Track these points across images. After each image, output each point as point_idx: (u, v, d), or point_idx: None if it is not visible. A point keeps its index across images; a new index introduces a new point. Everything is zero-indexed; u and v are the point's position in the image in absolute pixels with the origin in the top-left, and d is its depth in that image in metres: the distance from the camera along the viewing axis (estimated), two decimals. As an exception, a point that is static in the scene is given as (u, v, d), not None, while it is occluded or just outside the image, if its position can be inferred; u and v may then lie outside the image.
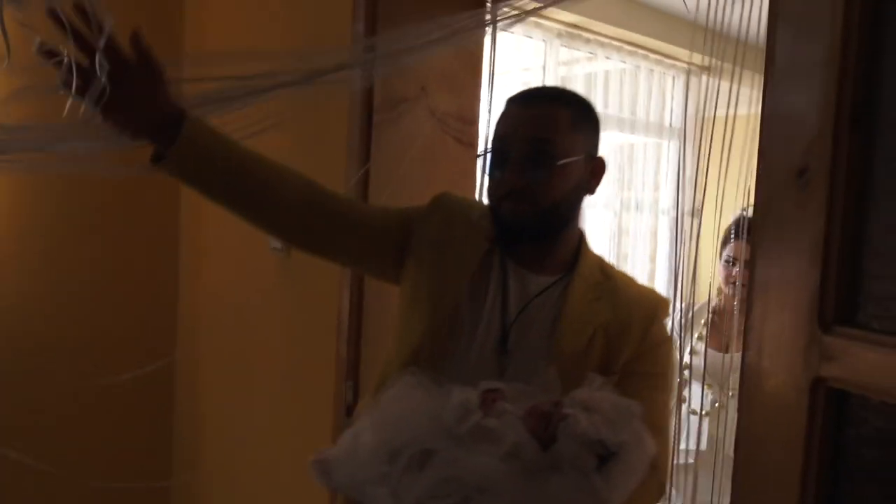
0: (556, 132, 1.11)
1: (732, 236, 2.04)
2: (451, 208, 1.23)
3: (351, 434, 1.06)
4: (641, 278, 3.21)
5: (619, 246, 3.44)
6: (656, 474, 1.09)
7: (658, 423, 1.11)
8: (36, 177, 2.01)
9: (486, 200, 1.21)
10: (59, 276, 2.10)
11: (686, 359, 2.07)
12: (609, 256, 3.12)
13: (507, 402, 1.01)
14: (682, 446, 1.97)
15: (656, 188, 3.42)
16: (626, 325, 1.15)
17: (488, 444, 0.97)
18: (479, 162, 1.22)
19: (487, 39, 1.73)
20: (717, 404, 2.05)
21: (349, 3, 1.58)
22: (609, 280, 1.19)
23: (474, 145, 1.72)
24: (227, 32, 2.11)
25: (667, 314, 1.21)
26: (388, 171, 1.60)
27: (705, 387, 2.03)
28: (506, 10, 1.27)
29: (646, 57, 3.10)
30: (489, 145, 1.17)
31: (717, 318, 2.15)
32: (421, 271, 1.19)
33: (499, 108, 1.20)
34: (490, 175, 1.15)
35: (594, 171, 1.17)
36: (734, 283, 2.06)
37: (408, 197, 1.41)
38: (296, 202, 1.14)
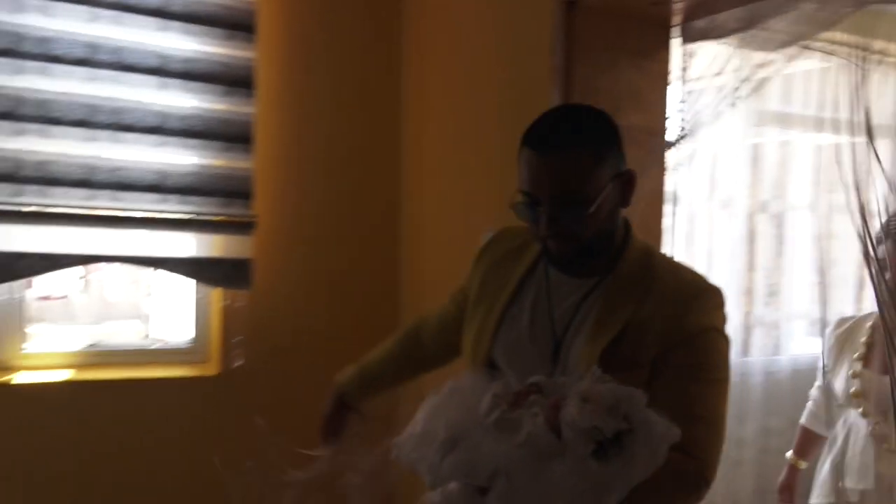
0: (580, 181, 1.12)
1: (884, 237, 1.79)
2: (494, 246, 1.37)
3: (413, 420, 1.20)
4: (850, 285, 3.10)
5: (826, 250, 3.33)
6: (694, 464, 1.11)
7: (699, 413, 1.13)
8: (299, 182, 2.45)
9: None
10: (305, 269, 2.52)
11: (842, 383, 1.93)
12: (814, 261, 3.06)
13: (542, 396, 1.10)
14: (849, 484, 1.88)
15: (865, 189, 3.27)
16: (653, 318, 1.16)
17: (508, 433, 1.07)
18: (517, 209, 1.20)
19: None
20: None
21: (547, 36, 1.81)
22: (648, 274, 1.20)
23: (661, 154, 1.87)
24: (441, 94, 2.42)
25: (709, 304, 1.19)
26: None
27: (864, 415, 1.88)
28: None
29: (849, 53, 3.00)
30: (519, 193, 1.18)
31: (875, 334, 1.92)
32: (471, 313, 1.34)
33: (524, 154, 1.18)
34: (527, 221, 1.18)
35: (624, 186, 1.18)
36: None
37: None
38: (424, 362, 1.57)
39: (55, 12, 2.08)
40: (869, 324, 1.96)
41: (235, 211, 2.32)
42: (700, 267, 3.59)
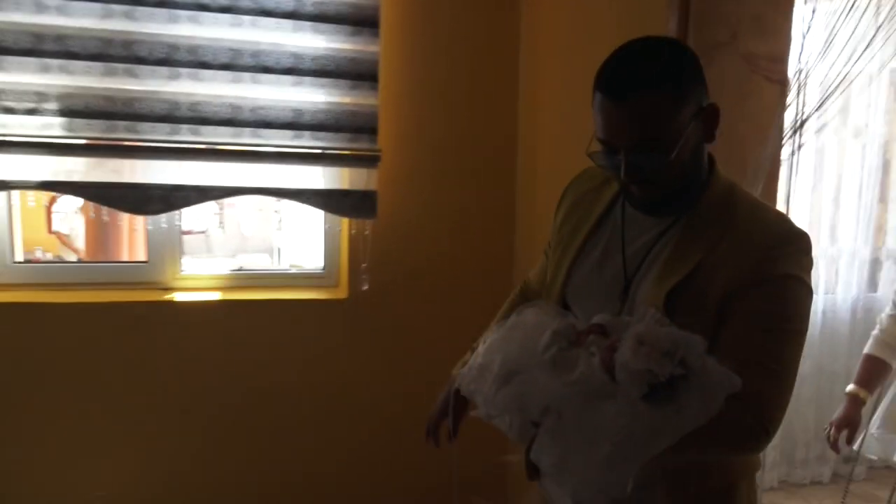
0: (658, 126, 1.06)
1: None
2: (575, 187, 1.37)
3: (475, 353, 1.24)
4: None
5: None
6: (748, 414, 1.06)
7: (766, 363, 1.07)
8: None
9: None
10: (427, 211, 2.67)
11: None
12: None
13: (602, 337, 1.10)
14: None
15: None
16: (726, 261, 1.10)
17: (563, 371, 1.08)
18: (596, 157, 1.16)
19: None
20: None
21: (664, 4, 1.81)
22: (727, 213, 1.14)
23: (784, 82, 1.84)
24: (557, 29, 2.45)
25: (791, 248, 1.11)
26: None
27: None
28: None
29: None
30: (597, 140, 1.14)
31: None
32: (554, 250, 1.35)
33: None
34: (606, 168, 1.16)
35: (707, 121, 1.12)
36: None
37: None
38: None
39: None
40: None
41: (362, 146, 2.48)
42: (827, 200, 3.49)
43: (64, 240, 5.20)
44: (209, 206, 5.27)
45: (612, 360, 1.04)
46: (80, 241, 5.11)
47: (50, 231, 5.21)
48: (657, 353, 0.99)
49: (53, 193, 2.81)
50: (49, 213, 5.15)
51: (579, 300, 1.27)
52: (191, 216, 4.49)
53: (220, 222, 6.59)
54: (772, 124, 1.79)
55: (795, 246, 1.11)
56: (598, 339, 1.09)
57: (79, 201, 4.78)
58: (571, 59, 2.36)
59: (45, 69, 2.19)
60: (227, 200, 2.96)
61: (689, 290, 1.11)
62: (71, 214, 5.22)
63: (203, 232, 6.22)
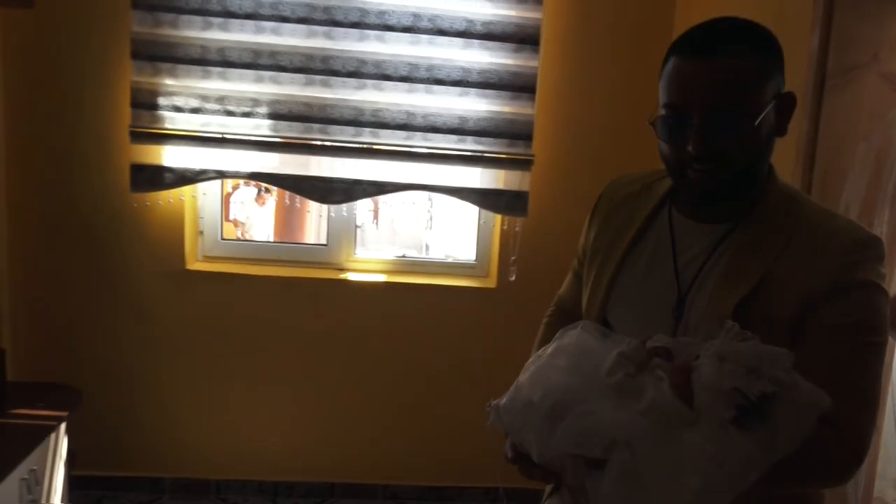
0: (742, 91, 0.98)
1: None
2: (610, 193, 1.28)
3: (517, 383, 1.07)
4: None
5: None
6: (844, 439, 0.98)
7: (851, 381, 0.99)
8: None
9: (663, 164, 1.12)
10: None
11: None
12: None
13: (670, 360, 0.99)
14: None
15: None
16: (799, 273, 1.01)
17: (629, 400, 0.96)
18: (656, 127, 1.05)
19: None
20: None
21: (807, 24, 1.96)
22: (793, 220, 1.06)
23: (925, 102, 1.93)
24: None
25: (870, 255, 1.02)
26: (839, 128, 1.94)
27: None
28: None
29: None
30: (663, 108, 1.04)
31: None
32: (589, 262, 1.24)
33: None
34: (669, 140, 1.04)
35: (783, 109, 1.04)
36: None
37: (850, 145, 1.76)
38: None
39: (388, -10, 2.65)
40: None
41: (518, 150, 2.76)
42: None
43: (240, 226, 5.87)
44: (366, 203, 5.78)
45: (687, 383, 0.93)
46: (254, 229, 5.76)
47: (227, 219, 5.91)
48: (743, 370, 0.88)
49: (239, 183, 3.30)
50: (227, 202, 5.85)
51: (623, 317, 1.15)
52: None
53: (374, 218, 7.15)
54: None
55: (873, 251, 1.03)
56: (663, 363, 0.98)
57: (253, 192, 5.42)
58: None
59: (260, 80, 2.65)
60: (382, 198, 3.33)
61: (757, 302, 1.02)
62: (248, 204, 5.89)
63: (359, 226, 6.79)
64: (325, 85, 2.67)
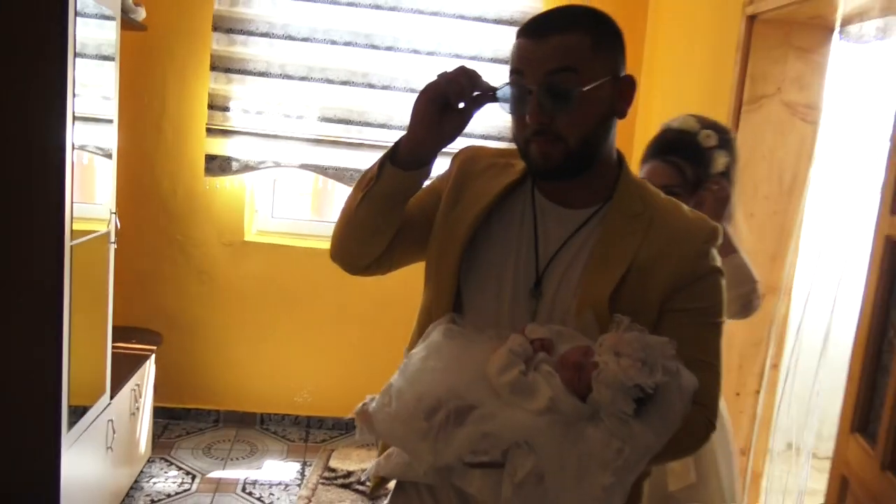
0: (575, 60, 1.02)
1: (650, 155, 1.77)
2: (469, 162, 1.21)
3: (389, 388, 1.04)
4: None
5: None
6: (703, 411, 1.05)
7: (705, 359, 1.07)
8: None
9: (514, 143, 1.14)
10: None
11: None
12: None
13: (552, 351, 1.01)
14: None
15: None
16: (664, 260, 1.07)
17: (525, 399, 0.95)
18: (496, 104, 1.09)
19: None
20: None
21: (735, 39, 2.63)
22: (648, 210, 1.11)
23: (816, 123, 2.60)
24: (667, 52, 3.30)
25: (714, 243, 1.11)
26: (751, 141, 2.61)
27: None
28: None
29: None
30: (504, 84, 1.06)
31: None
32: (436, 230, 1.19)
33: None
34: (513, 115, 1.07)
35: (622, 92, 1.08)
36: None
37: (759, 156, 2.45)
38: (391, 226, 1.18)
39: None
40: None
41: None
42: None
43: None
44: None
45: (578, 379, 0.95)
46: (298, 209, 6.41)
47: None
48: (638, 364, 0.92)
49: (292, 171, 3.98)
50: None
51: (478, 292, 1.14)
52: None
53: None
54: (805, 153, 2.56)
55: (716, 240, 1.12)
56: (547, 357, 0.99)
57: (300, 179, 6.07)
58: (662, 104, 3.21)
59: (311, 90, 3.33)
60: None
61: (626, 288, 1.06)
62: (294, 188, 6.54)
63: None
64: (364, 95, 3.34)
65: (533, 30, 1.05)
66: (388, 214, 1.14)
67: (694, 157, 1.74)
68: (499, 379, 0.97)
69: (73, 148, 2.06)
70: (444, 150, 1.12)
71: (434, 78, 1.07)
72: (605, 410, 0.94)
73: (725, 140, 1.78)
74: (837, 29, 2.54)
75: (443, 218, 1.19)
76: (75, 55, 2.02)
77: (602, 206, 1.14)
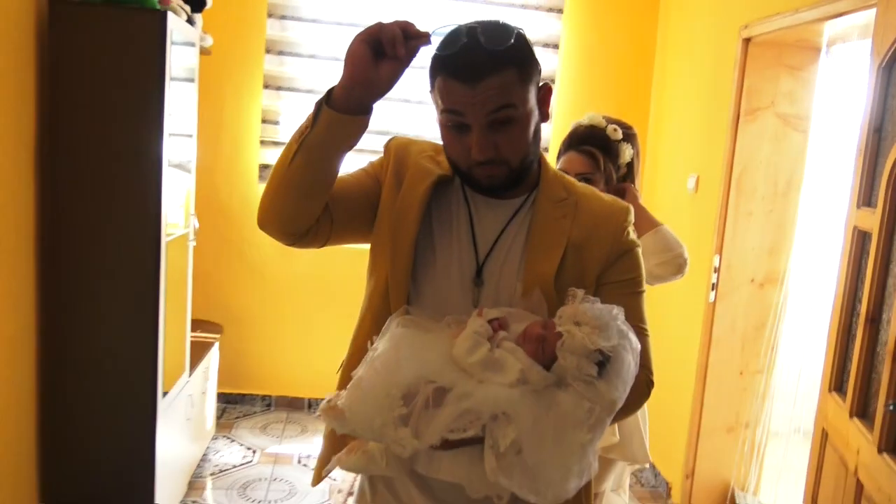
0: (510, 96, 1.06)
1: (566, 147, 1.98)
2: (402, 149, 1.24)
3: (359, 381, 1.05)
4: None
5: None
6: (643, 371, 1.12)
7: (639, 324, 1.15)
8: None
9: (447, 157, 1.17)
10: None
11: None
12: None
13: (507, 329, 1.06)
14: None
15: None
16: (594, 239, 1.16)
17: (496, 374, 1.01)
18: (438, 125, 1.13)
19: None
20: None
21: (732, 59, 2.97)
22: (571, 195, 1.19)
23: (806, 132, 2.94)
24: (678, 77, 3.66)
25: (630, 221, 1.21)
26: (748, 149, 2.95)
27: None
28: None
29: None
30: (442, 115, 1.10)
31: None
32: (382, 217, 1.21)
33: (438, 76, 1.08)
34: (454, 146, 1.11)
35: (542, 100, 1.14)
36: None
37: (756, 162, 2.80)
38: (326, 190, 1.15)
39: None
40: None
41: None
42: None
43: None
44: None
45: (541, 350, 1.02)
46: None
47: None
48: (597, 331, 1.00)
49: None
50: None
51: (422, 283, 1.19)
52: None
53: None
54: (797, 158, 2.90)
55: (629, 219, 1.22)
56: (507, 335, 1.06)
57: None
58: (685, 108, 3.55)
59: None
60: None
61: (568, 265, 1.14)
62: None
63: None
64: (399, 111, 3.72)
65: (464, 74, 1.05)
66: (324, 167, 1.11)
67: (604, 148, 1.95)
68: (468, 359, 1.02)
69: (166, 160, 2.44)
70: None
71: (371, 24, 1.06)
72: (571, 375, 1.00)
73: (629, 135, 2.02)
74: (824, 49, 2.89)
75: (389, 203, 1.21)
76: (174, 79, 2.40)
77: (529, 195, 1.20)
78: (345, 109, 1.06)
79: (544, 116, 1.16)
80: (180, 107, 2.70)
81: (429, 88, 1.12)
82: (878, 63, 1.95)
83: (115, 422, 2.49)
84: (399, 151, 1.24)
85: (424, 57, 1.10)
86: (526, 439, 0.98)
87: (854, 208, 2.02)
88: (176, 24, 2.44)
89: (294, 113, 3.70)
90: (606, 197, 1.24)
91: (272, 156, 3.74)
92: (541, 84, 1.15)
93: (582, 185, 1.24)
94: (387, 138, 1.28)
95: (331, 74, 3.67)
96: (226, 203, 3.84)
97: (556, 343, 1.01)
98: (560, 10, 3.81)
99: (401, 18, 1.06)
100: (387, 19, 1.06)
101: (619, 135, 1.99)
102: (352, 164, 1.20)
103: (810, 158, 2.97)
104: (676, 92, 3.64)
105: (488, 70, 1.05)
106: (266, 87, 3.70)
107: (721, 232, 3.00)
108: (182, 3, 2.71)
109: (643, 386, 1.16)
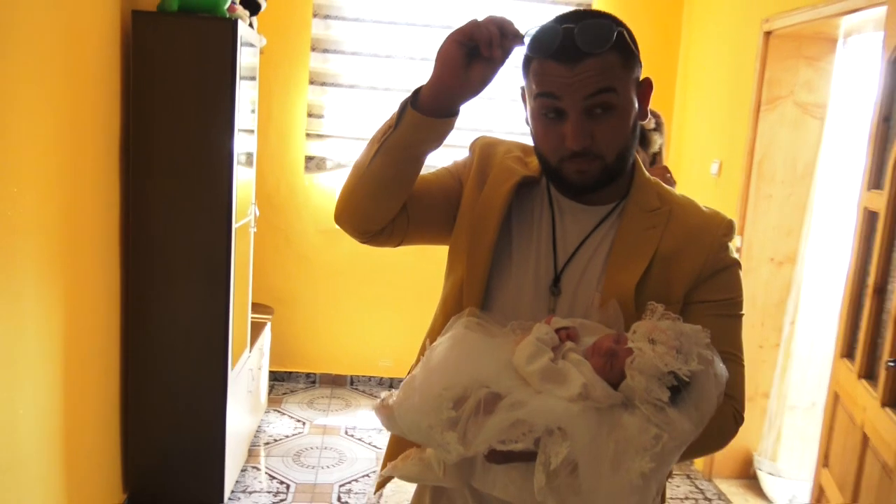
0: (611, 79, 1.00)
1: None
2: (488, 148, 1.19)
3: (412, 380, 1.01)
4: None
5: None
6: (731, 402, 1.05)
7: (730, 350, 1.06)
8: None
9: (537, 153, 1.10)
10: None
11: None
12: None
13: (577, 341, 0.99)
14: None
15: None
16: (686, 252, 1.07)
17: (557, 386, 0.93)
18: (531, 120, 1.07)
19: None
20: None
21: (753, 52, 3.16)
22: (665, 205, 1.11)
23: (823, 119, 3.13)
24: (698, 66, 3.85)
25: (731, 237, 1.11)
26: (769, 135, 3.15)
27: None
28: None
29: None
30: (536, 100, 1.03)
31: None
32: (463, 217, 1.16)
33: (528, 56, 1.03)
34: (547, 137, 1.05)
35: (642, 95, 1.07)
36: None
37: (776, 147, 3.00)
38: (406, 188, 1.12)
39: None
40: None
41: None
42: None
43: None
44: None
45: (610, 366, 0.94)
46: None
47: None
48: (673, 352, 0.92)
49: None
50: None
51: (496, 288, 1.13)
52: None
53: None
54: (815, 144, 3.09)
55: (730, 235, 1.12)
56: (576, 346, 0.99)
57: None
58: (699, 96, 3.75)
59: (393, 101, 3.93)
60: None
61: (651, 280, 1.06)
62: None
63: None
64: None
65: (565, 54, 0.99)
66: (405, 168, 1.08)
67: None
68: (527, 367, 0.95)
69: (236, 153, 2.69)
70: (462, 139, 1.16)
71: (464, 23, 1.00)
72: (639, 397, 0.92)
73: (659, 124, 2.14)
74: (841, 41, 3.08)
75: (470, 203, 1.16)
76: (241, 78, 2.64)
77: (619, 203, 1.13)
78: (431, 111, 1.02)
79: (643, 114, 1.09)
80: (244, 104, 2.94)
81: (521, 84, 1.07)
82: (889, 57, 2.15)
83: (192, 394, 2.75)
84: (485, 150, 1.20)
85: (516, 56, 1.05)
86: (581, 459, 0.91)
87: (864, 190, 2.22)
88: (243, 29, 2.67)
89: (337, 107, 3.94)
90: (707, 209, 1.14)
91: (316, 148, 3.99)
92: (642, 79, 1.08)
93: (680, 196, 1.16)
94: (474, 135, 1.24)
95: (373, 70, 3.91)
96: (273, 192, 4.09)
97: (626, 360, 0.93)
98: (588, 5, 4.00)
99: (497, 15, 0.99)
100: (480, 16, 1.00)
101: (652, 124, 2.17)
102: (437, 159, 1.17)
103: (826, 144, 3.16)
104: (700, 82, 3.84)
105: (591, 52, 0.99)
106: (311, 82, 3.94)
107: (743, 214, 3.20)
108: (242, 9, 2.94)
109: (730, 420, 1.07)
